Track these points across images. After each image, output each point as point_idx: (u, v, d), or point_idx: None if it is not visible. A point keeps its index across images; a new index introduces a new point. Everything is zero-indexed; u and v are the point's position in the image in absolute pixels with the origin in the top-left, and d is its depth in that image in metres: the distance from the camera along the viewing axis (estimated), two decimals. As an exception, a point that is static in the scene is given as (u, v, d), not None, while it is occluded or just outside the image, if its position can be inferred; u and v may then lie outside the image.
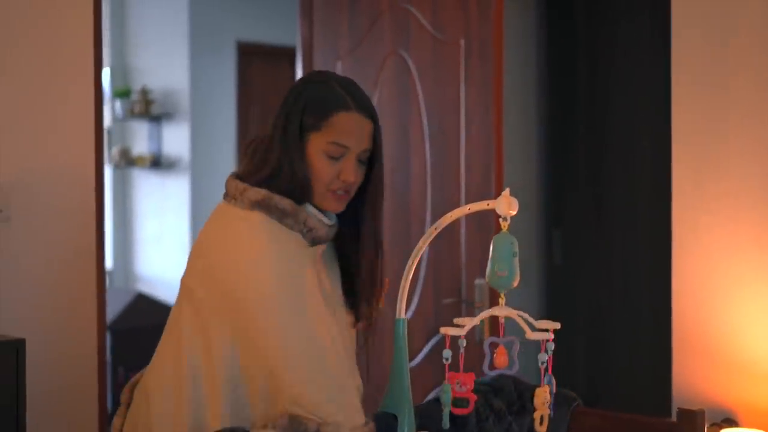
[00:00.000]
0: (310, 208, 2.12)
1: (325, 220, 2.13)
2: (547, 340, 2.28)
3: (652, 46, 4.23)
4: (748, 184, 3.28)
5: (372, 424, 2.02)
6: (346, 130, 2.09)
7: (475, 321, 2.30)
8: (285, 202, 2.05)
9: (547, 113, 4.65)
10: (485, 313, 2.37)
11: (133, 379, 2.25)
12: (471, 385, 2.24)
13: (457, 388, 2.32)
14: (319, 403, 1.98)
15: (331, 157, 2.09)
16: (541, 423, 2.31)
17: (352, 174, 2.10)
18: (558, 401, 2.51)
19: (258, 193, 2.06)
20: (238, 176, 2.13)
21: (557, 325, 2.32)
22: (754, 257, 3.28)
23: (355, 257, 2.24)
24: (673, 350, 3.44)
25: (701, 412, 2.56)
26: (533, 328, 2.32)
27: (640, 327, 4.07)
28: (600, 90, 4.50)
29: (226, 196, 2.15)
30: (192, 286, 2.06)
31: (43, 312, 2.98)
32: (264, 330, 1.98)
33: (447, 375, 2.27)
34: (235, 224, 2.07)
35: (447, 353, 2.26)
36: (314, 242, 2.12)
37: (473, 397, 2.23)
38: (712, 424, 3.18)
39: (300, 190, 2.08)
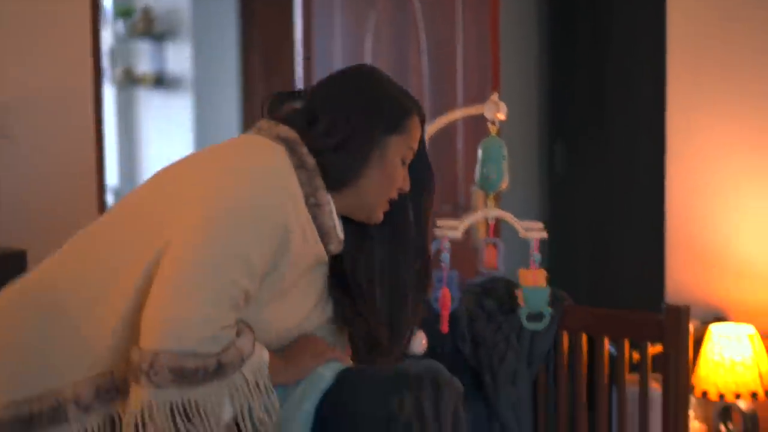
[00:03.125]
0: (333, 209, 1.79)
1: (339, 229, 1.80)
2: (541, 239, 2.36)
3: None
4: (744, 87, 3.32)
5: (234, 349, 1.60)
6: (417, 134, 1.87)
7: (465, 223, 2.38)
8: (309, 158, 1.74)
9: (547, 24, 4.65)
10: (476, 215, 2.44)
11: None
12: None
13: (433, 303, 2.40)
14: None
15: (403, 162, 1.84)
16: (533, 319, 2.41)
17: (407, 181, 1.88)
18: (550, 300, 2.60)
19: (290, 131, 1.77)
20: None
21: (544, 234, 2.40)
22: (747, 159, 3.33)
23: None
24: (666, 251, 3.52)
25: (686, 308, 2.64)
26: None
27: (639, 233, 4.14)
28: (602, 1, 4.48)
29: (253, 128, 1.84)
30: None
31: (44, 225, 3.06)
32: (212, 219, 1.64)
33: (445, 278, 2.34)
34: (245, 139, 1.81)
35: (445, 257, 2.35)
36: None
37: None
38: (704, 322, 3.26)
39: (342, 171, 1.77)
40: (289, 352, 1.77)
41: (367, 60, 3.45)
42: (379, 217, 1.83)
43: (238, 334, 1.60)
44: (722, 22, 3.33)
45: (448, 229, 2.35)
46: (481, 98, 3.63)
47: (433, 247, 2.34)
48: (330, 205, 1.75)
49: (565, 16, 4.61)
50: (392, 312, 1.89)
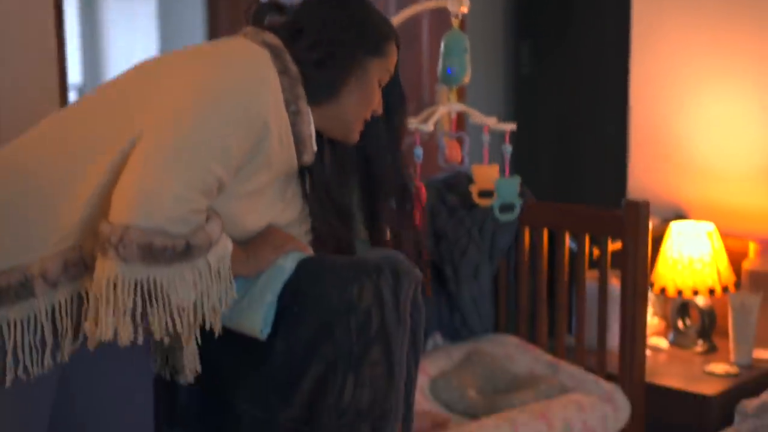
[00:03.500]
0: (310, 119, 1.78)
1: (312, 137, 1.79)
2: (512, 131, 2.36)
3: None
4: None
5: (205, 231, 1.60)
6: (394, 59, 1.89)
7: (434, 116, 2.39)
8: (293, 66, 1.74)
9: None
10: (440, 109, 2.44)
11: None
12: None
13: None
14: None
15: (380, 84, 1.85)
16: (505, 210, 2.43)
17: (381, 104, 1.88)
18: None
19: (275, 39, 1.76)
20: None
21: (513, 126, 2.41)
22: (710, 60, 3.34)
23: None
24: (629, 150, 3.55)
25: (646, 203, 2.68)
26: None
27: (603, 131, 4.16)
28: None
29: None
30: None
31: (5, 125, 3.02)
32: (188, 99, 1.63)
33: (418, 175, 2.35)
34: (230, 39, 1.79)
35: (418, 151, 2.35)
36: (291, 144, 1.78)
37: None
38: (664, 221, 3.30)
39: (322, 84, 1.78)
40: (251, 244, 1.78)
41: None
42: (355, 137, 1.85)
43: (207, 220, 1.61)
44: None
45: (419, 123, 2.35)
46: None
47: (415, 153, 2.35)
48: (309, 115, 1.76)
49: None
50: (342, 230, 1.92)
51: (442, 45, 2.35)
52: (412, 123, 2.32)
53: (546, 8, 4.42)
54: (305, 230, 1.87)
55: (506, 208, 2.48)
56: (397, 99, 1.93)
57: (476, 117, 2.37)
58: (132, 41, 6.84)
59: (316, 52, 1.77)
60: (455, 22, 2.36)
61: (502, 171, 2.45)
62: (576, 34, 4.31)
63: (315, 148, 1.79)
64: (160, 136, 1.60)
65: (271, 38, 1.76)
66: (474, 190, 2.45)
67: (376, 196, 1.92)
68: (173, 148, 1.58)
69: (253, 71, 1.69)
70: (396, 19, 2.41)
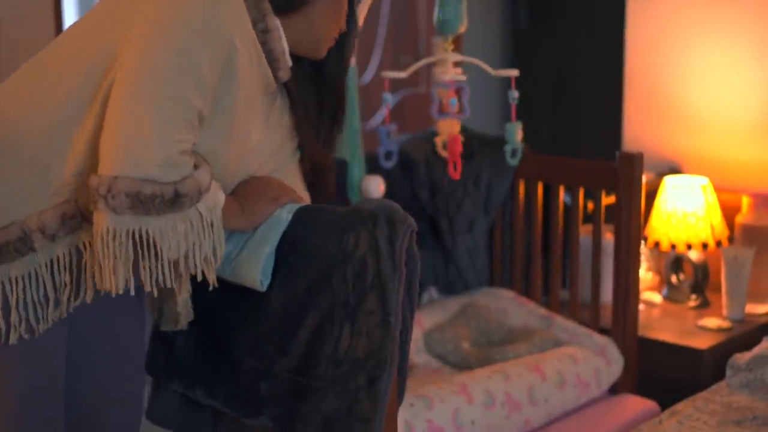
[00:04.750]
0: (283, 35, 1.72)
1: (290, 61, 1.74)
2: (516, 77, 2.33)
3: None
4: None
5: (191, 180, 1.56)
6: None
7: (419, 64, 2.36)
8: None
9: None
10: (435, 57, 2.42)
11: None
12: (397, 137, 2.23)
13: (386, 140, 2.38)
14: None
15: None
16: (513, 155, 2.41)
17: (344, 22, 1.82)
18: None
19: None
20: None
21: (516, 72, 2.38)
22: (706, 14, 3.31)
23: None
24: (624, 105, 3.54)
25: (639, 155, 2.67)
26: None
27: (599, 85, 4.14)
28: None
29: None
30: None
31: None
32: (154, 40, 1.57)
33: (386, 117, 2.34)
34: None
35: (387, 96, 2.33)
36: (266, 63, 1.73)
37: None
38: (659, 175, 3.30)
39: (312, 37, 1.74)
40: (246, 197, 1.76)
41: None
42: (323, 52, 1.79)
43: (196, 167, 1.59)
44: None
45: (394, 72, 2.33)
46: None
47: (384, 98, 2.33)
48: (279, 31, 1.70)
49: None
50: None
51: (438, -6, 2.32)
52: (388, 74, 2.30)
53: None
54: (292, 148, 1.85)
55: (513, 153, 2.46)
56: (350, 20, 1.85)
57: (477, 63, 2.33)
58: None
59: None
60: (452, -29, 2.33)
61: (508, 116, 2.42)
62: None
63: (290, 63, 1.73)
64: (132, 77, 1.55)
65: None
66: (439, 141, 2.42)
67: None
68: (146, 89, 1.54)
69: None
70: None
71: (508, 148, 2.41)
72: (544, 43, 4.35)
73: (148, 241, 1.54)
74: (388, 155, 2.38)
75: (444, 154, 2.41)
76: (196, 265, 1.60)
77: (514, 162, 2.43)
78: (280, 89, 1.80)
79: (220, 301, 1.79)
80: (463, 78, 2.38)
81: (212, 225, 1.62)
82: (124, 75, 1.56)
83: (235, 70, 1.63)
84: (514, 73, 2.34)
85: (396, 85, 3.63)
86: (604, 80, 4.05)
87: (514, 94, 2.35)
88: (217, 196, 1.63)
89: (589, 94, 4.20)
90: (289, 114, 1.83)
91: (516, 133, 2.41)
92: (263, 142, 1.80)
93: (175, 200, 1.54)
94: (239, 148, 1.74)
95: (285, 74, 1.74)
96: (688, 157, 3.37)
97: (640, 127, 3.49)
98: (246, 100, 1.70)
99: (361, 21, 2.36)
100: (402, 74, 2.31)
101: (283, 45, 1.71)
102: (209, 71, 1.59)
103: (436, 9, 2.32)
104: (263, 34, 1.67)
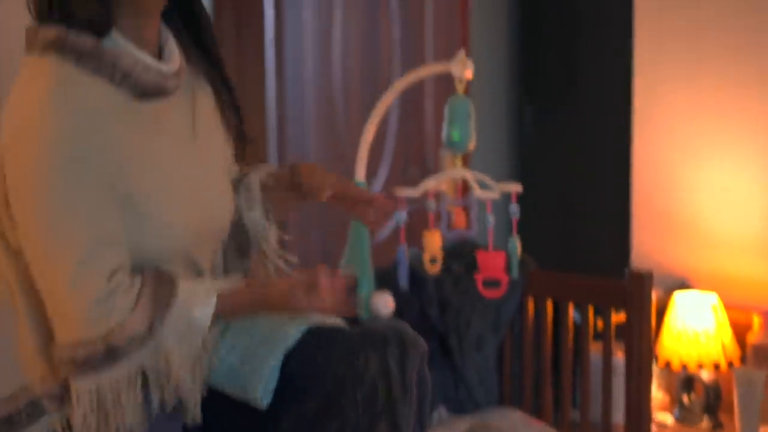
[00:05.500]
0: (122, 44, 1.57)
1: (155, 64, 1.59)
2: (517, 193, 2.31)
3: None
4: (709, 55, 3.31)
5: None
6: None
7: (429, 184, 2.34)
8: (81, 39, 1.52)
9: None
10: (443, 175, 2.41)
11: None
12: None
13: (403, 261, 2.35)
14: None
15: None
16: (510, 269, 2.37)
17: None
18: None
19: (49, 32, 1.52)
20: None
21: (519, 187, 2.36)
22: (713, 127, 3.33)
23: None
24: (632, 218, 3.53)
25: (649, 273, 2.63)
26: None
27: (606, 198, 4.14)
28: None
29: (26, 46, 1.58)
30: None
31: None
32: (29, 206, 1.49)
33: (401, 237, 2.31)
34: (23, 74, 1.55)
35: (399, 216, 2.30)
36: (144, 92, 1.58)
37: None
38: (668, 291, 3.26)
39: (101, 13, 1.54)
40: (268, 301, 1.66)
41: (338, 20, 3.39)
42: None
43: (138, 302, 1.50)
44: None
45: (407, 189, 2.32)
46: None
47: (395, 218, 2.30)
48: (132, 55, 1.55)
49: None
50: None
51: (446, 110, 2.32)
52: (401, 192, 2.29)
53: (549, 72, 4.42)
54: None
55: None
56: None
57: (476, 191, 2.30)
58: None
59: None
60: (460, 87, 2.33)
61: (509, 232, 2.39)
62: (578, 98, 4.31)
63: (165, 67, 1.61)
64: (30, 242, 1.52)
65: (45, 33, 1.52)
66: (425, 257, 2.38)
67: None
68: (43, 253, 1.50)
69: (48, 110, 1.48)
70: (400, 83, 2.39)
71: (513, 263, 2.37)
72: (550, 156, 4.37)
73: (108, 396, 1.52)
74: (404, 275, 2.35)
75: (432, 270, 2.36)
76: (180, 389, 1.58)
77: (514, 275, 2.40)
78: (183, 91, 1.68)
79: (226, 422, 1.74)
80: (472, 196, 2.36)
81: (189, 347, 1.56)
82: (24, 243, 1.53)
83: (120, 158, 1.52)
84: (516, 188, 2.32)
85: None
86: (611, 191, 4.05)
87: (515, 208, 2.32)
88: (191, 316, 1.56)
89: (596, 208, 4.19)
90: (214, 97, 1.75)
91: (517, 247, 2.38)
92: (206, 156, 1.71)
93: (110, 355, 1.50)
94: (170, 180, 1.61)
95: (170, 68, 1.62)
96: (697, 272, 3.34)
97: (649, 240, 3.47)
98: (142, 142, 1.57)
99: (369, 137, 2.36)
100: (414, 192, 2.29)
101: (134, 57, 1.57)
102: (102, 194, 1.51)
103: (445, 126, 2.31)
104: (123, 77, 1.55)
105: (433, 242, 2.34)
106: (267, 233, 1.85)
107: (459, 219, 2.42)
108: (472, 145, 2.34)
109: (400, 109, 3.56)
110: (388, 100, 2.37)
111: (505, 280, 2.25)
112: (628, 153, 3.56)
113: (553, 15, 4.43)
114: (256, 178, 1.86)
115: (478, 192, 2.25)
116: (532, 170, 4.42)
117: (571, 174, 4.30)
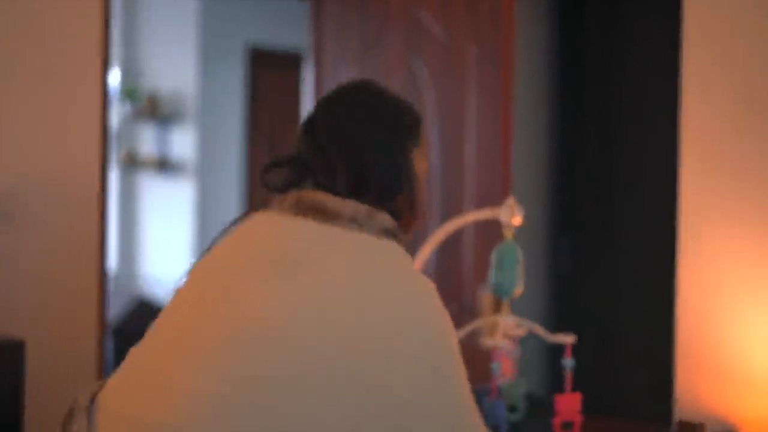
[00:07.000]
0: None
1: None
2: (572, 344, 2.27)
3: (665, 59, 4.21)
4: (758, 195, 3.26)
5: None
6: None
7: (472, 326, 2.30)
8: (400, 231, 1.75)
9: (557, 122, 4.63)
10: (485, 320, 2.36)
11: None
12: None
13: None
14: None
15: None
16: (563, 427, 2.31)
17: None
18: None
19: (387, 219, 1.68)
20: (333, 193, 1.67)
21: (572, 338, 2.31)
22: (761, 269, 3.25)
23: None
24: (677, 362, 3.42)
25: (701, 426, 2.54)
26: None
27: (647, 338, 4.05)
28: (611, 99, 4.48)
29: (333, 218, 1.63)
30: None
31: (43, 313, 2.97)
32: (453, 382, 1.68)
33: (493, 390, 2.26)
34: (386, 256, 1.67)
35: (496, 366, 2.27)
36: None
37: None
38: (715, 439, 3.15)
39: (408, 218, 1.77)
40: None
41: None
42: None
43: None
44: (734, 134, 3.30)
45: (499, 341, 2.29)
46: (489, 196, 3.58)
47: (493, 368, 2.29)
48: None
49: (575, 114, 4.59)
50: None
51: (494, 256, 2.28)
52: (492, 343, 2.26)
53: (587, 205, 4.40)
54: None
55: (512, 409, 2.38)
56: None
57: (538, 332, 2.25)
58: (168, 226, 6.89)
59: (393, 187, 1.73)
60: (508, 234, 2.31)
61: (546, 366, 2.33)
62: (617, 233, 4.27)
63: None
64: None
65: (383, 219, 1.68)
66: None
67: None
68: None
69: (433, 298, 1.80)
70: (443, 230, 2.36)
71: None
72: (587, 289, 4.31)
73: None
74: (496, 428, 2.30)
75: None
76: None
77: (515, 418, 2.35)
78: None
79: None
80: (512, 344, 2.32)
81: None
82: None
83: None
84: (569, 339, 2.27)
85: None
86: (652, 331, 3.96)
87: (569, 362, 2.27)
88: None
89: (637, 345, 4.11)
90: None
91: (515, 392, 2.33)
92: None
93: None
94: None
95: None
96: (747, 421, 3.22)
97: (694, 387, 3.36)
98: None
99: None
100: (509, 344, 2.26)
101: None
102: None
103: (493, 272, 2.27)
104: None
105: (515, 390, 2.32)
106: None
107: (505, 366, 2.37)
108: (519, 290, 2.30)
109: (438, 246, 3.54)
110: (431, 246, 2.34)
111: (579, 421, 2.24)
112: (671, 293, 3.47)
113: (593, 151, 4.44)
114: None
115: (552, 337, 2.22)
116: (568, 306, 4.36)
117: (611, 311, 4.24)
